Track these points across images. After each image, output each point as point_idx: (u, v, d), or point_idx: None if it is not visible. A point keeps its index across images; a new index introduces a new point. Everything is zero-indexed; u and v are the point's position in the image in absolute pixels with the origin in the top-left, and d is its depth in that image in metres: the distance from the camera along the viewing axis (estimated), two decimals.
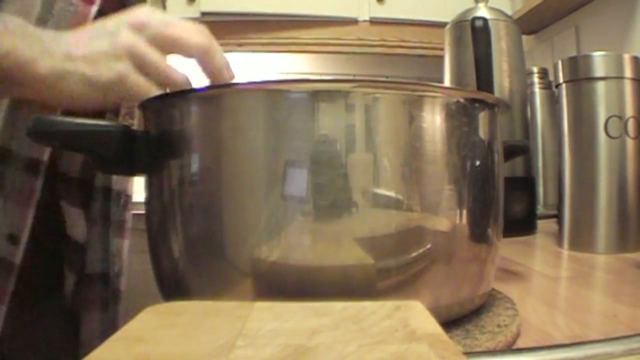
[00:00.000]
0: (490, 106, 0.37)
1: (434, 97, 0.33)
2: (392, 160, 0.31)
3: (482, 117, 0.36)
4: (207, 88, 0.34)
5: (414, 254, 0.32)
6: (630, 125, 0.67)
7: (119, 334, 0.21)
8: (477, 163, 0.35)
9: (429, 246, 0.33)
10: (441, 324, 0.23)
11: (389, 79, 0.34)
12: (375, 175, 0.31)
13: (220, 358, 0.19)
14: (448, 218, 0.34)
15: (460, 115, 0.34)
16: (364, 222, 0.31)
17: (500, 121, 0.39)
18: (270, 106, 0.32)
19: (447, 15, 0.97)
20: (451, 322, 0.35)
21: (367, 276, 0.31)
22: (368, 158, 0.31)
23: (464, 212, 0.34)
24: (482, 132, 0.36)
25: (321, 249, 0.31)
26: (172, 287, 0.37)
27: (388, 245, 0.32)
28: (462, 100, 0.34)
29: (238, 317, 0.23)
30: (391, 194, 0.31)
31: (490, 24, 0.84)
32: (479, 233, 0.36)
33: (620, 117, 0.67)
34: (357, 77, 0.33)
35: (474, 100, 0.35)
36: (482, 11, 0.87)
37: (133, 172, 0.38)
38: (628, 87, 0.68)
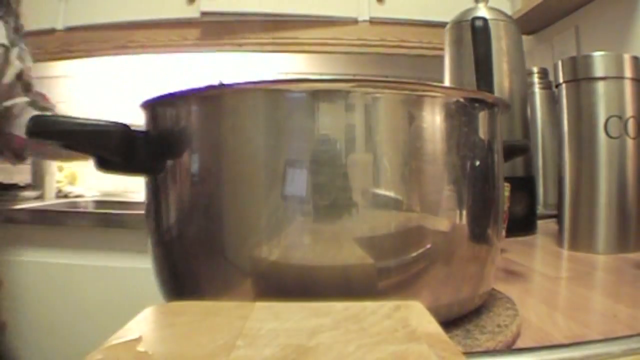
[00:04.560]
0: (490, 106, 0.37)
1: (433, 97, 0.33)
2: (392, 160, 0.31)
3: (482, 116, 0.36)
4: (207, 88, 0.34)
5: (414, 254, 0.32)
6: (630, 125, 0.67)
7: (119, 334, 0.21)
8: (477, 163, 0.35)
9: (428, 246, 0.33)
10: (441, 324, 0.23)
11: (389, 79, 0.34)
12: (375, 175, 0.31)
13: (220, 358, 0.19)
14: (448, 218, 0.34)
15: (460, 115, 0.34)
16: (364, 222, 0.31)
17: (500, 121, 0.39)
18: (270, 106, 0.32)
19: (447, 15, 0.97)
20: (451, 322, 0.35)
21: (367, 276, 0.31)
22: (368, 158, 0.31)
23: (464, 212, 0.34)
24: (482, 132, 0.36)
25: (321, 248, 0.31)
26: (173, 287, 0.37)
27: (388, 245, 0.32)
28: (461, 100, 0.34)
29: (238, 317, 0.23)
30: (391, 194, 0.31)
31: (490, 24, 0.83)
32: (478, 233, 0.36)
33: (620, 117, 0.67)
34: (357, 77, 0.33)
35: (474, 100, 0.35)
36: (482, 11, 0.87)
37: (133, 172, 0.38)
38: (628, 87, 0.67)
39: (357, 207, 0.31)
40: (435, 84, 0.33)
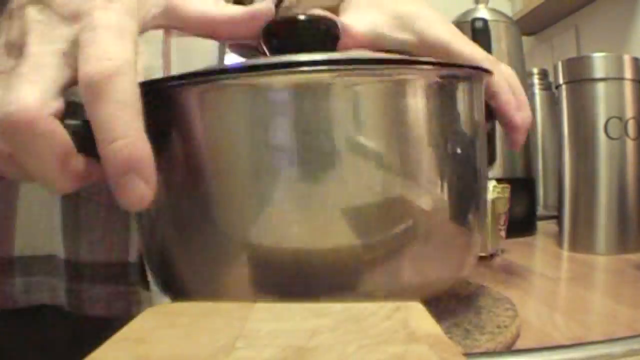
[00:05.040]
0: (468, 78, 0.35)
1: (413, 75, 0.32)
2: (373, 140, 0.31)
3: (462, 89, 0.35)
4: (188, 79, 0.33)
5: (396, 231, 0.32)
6: (630, 127, 0.67)
7: (119, 334, 0.21)
8: (459, 138, 0.34)
9: (410, 222, 0.32)
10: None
11: (368, 57, 0.33)
12: (356, 149, 0.31)
13: (220, 359, 0.19)
14: (430, 194, 0.33)
15: (442, 91, 0.33)
16: (349, 198, 0.31)
17: (481, 91, 0.38)
18: (251, 98, 0.31)
19: (447, 16, 0.96)
20: (451, 323, 0.35)
21: (352, 253, 0.31)
22: (353, 141, 0.31)
23: (445, 187, 0.34)
24: (462, 106, 0.35)
25: (308, 230, 0.31)
26: (171, 287, 0.37)
27: (372, 223, 0.31)
28: (443, 74, 0.33)
29: (238, 318, 0.23)
30: (372, 163, 0.31)
31: (490, 25, 0.84)
32: (459, 209, 0.35)
33: (620, 118, 0.67)
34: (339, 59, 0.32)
35: (452, 76, 0.34)
36: (482, 12, 0.87)
37: None
38: (628, 88, 0.68)
39: (344, 183, 0.31)
40: (414, 58, 0.32)
